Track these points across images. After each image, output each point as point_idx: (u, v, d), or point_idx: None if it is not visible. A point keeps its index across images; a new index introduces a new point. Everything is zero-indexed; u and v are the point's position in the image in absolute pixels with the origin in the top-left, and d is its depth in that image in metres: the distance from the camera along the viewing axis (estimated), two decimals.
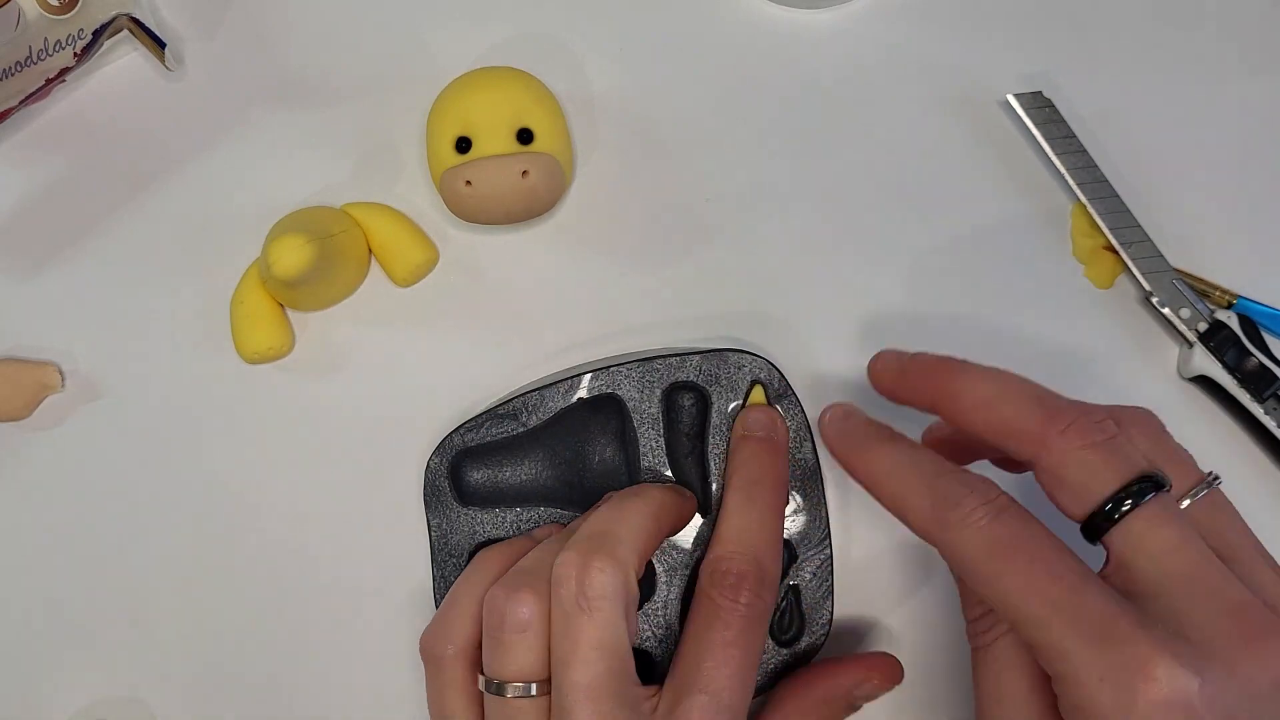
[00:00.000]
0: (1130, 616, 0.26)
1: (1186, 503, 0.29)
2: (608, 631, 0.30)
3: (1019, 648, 0.29)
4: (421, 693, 0.33)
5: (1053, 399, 0.30)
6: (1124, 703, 0.25)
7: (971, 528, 0.28)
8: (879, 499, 0.31)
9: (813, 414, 0.38)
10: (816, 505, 0.37)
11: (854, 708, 0.35)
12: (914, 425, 0.34)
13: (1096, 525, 0.28)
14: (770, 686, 0.36)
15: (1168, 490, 0.28)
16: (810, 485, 0.37)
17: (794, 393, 0.37)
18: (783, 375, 0.37)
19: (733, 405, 0.37)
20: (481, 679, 0.32)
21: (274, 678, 0.38)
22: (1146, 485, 0.28)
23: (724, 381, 0.37)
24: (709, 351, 0.37)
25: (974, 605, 0.31)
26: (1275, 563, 0.29)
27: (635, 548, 0.32)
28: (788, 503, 0.36)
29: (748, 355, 0.37)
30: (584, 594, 0.30)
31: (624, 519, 0.33)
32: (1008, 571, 0.27)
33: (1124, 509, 0.28)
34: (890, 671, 0.35)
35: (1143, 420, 0.31)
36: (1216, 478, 0.30)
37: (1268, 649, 0.26)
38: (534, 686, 0.31)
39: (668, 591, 0.36)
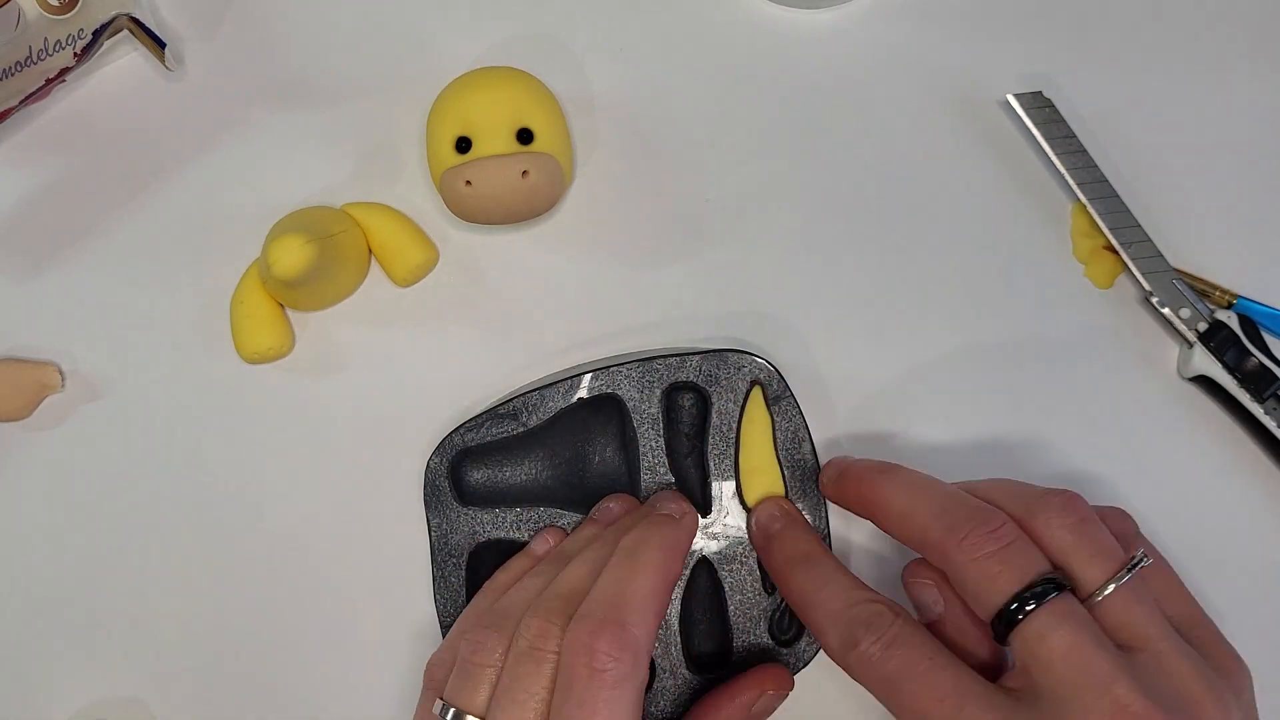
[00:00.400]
0: (1117, 667, 0.27)
1: (1110, 589, 0.30)
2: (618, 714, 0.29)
3: None
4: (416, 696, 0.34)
5: (953, 510, 0.31)
6: None
7: (867, 664, 0.30)
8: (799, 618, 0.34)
9: (810, 412, 0.38)
10: (816, 506, 0.37)
11: None
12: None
13: (1000, 630, 0.30)
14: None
15: (1067, 590, 0.30)
16: (809, 486, 0.37)
17: (792, 393, 0.37)
18: (781, 376, 0.37)
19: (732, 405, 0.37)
20: (439, 703, 0.31)
21: (274, 677, 0.38)
22: (1048, 586, 0.29)
23: (724, 382, 0.37)
24: (709, 352, 0.37)
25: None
26: (1193, 655, 0.30)
27: (648, 621, 0.30)
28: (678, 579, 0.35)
29: (747, 355, 0.37)
30: (591, 668, 0.29)
31: (635, 582, 0.31)
32: (900, 701, 0.30)
33: (1028, 609, 0.29)
34: (780, 680, 0.36)
35: (1062, 508, 0.31)
36: (1139, 562, 0.31)
37: (1208, 710, 0.27)
38: None
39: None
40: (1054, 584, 0.29)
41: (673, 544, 0.33)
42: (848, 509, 0.35)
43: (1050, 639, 0.28)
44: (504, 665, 0.30)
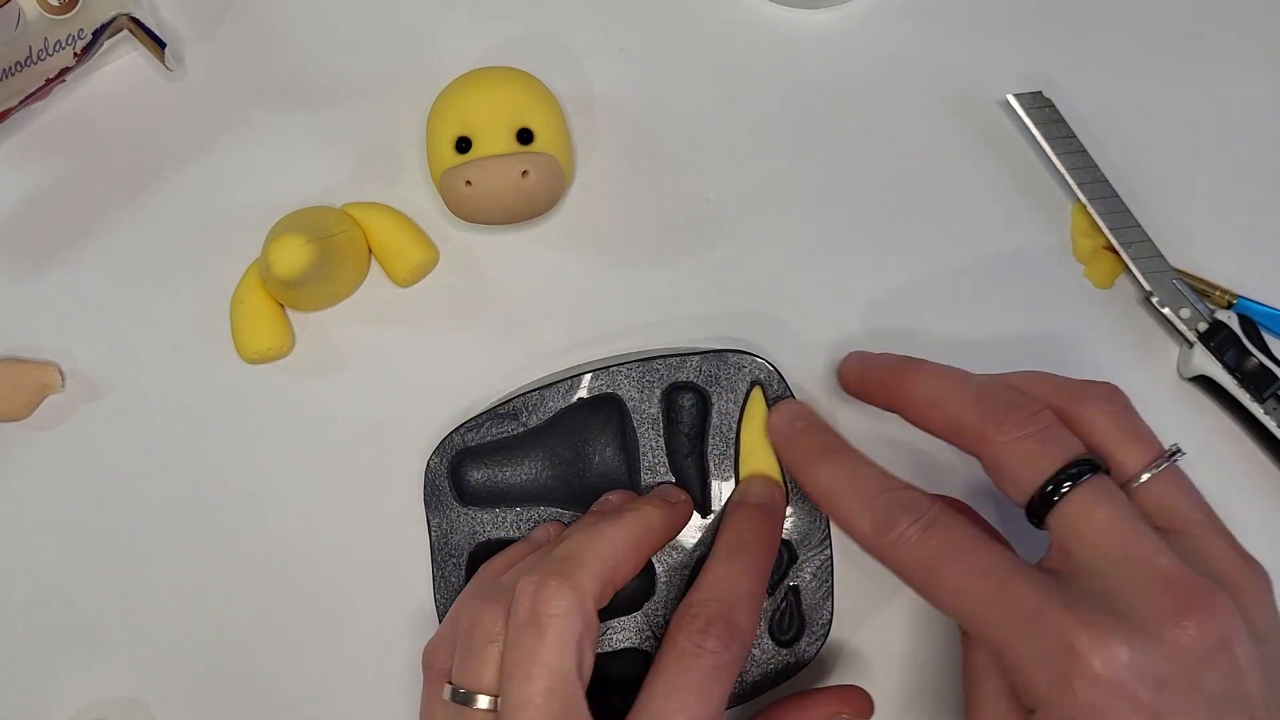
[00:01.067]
0: (1056, 599, 0.27)
1: (1146, 476, 0.30)
2: (554, 653, 0.29)
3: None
4: (420, 692, 0.33)
5: (992, 394, 0.31)
6: (1059, 682, 0.26)
7: (904, 546, 0.29)
8: (825, 513, 0.31)
9: None
10: (814, 510, 0.37)
11: None
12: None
13: (1037, 511, 0.29)
14: (772, 686, 0.36)
15: (1104, 471, 0.29)
16: None
17: (792, 394, 0.37)
18: (782, 376, 0.37)
19: (732, 405, 0.37)
20: (448, 688, 0.31)
21: (273, 677, 0.38)
22: (1083, 468, 0.29)
23: (724, 382, 0.37)
24: (709, 352, 0.37)
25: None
26: (1230, 536, 0.30)
27: (598, 575, 0.31)
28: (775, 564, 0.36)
29: (747, 356, 0.37)
30: (535, 612, 0.30)
31: (595, 543, 0.32)
32: (940, 581, 0.29)
33: (1062, 491, 0.29)
34: (861, 705, 0.35)
35: (1104, 396, 0.32)
36: (1176, 452, 0.31)
37: (1197, 616, 0.26)
38: (497, 701, 0.30)
39: (667, 592, 0.36)
40: (1091, 465, 0.29)
41: (657, 518, 0.34)
42: (870, 401, 0.34)
43: (1092, 515, 0.28)
44: (506, 637, 0.30)
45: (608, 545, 0.32)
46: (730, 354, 0.37)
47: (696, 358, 0.37)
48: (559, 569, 0.31)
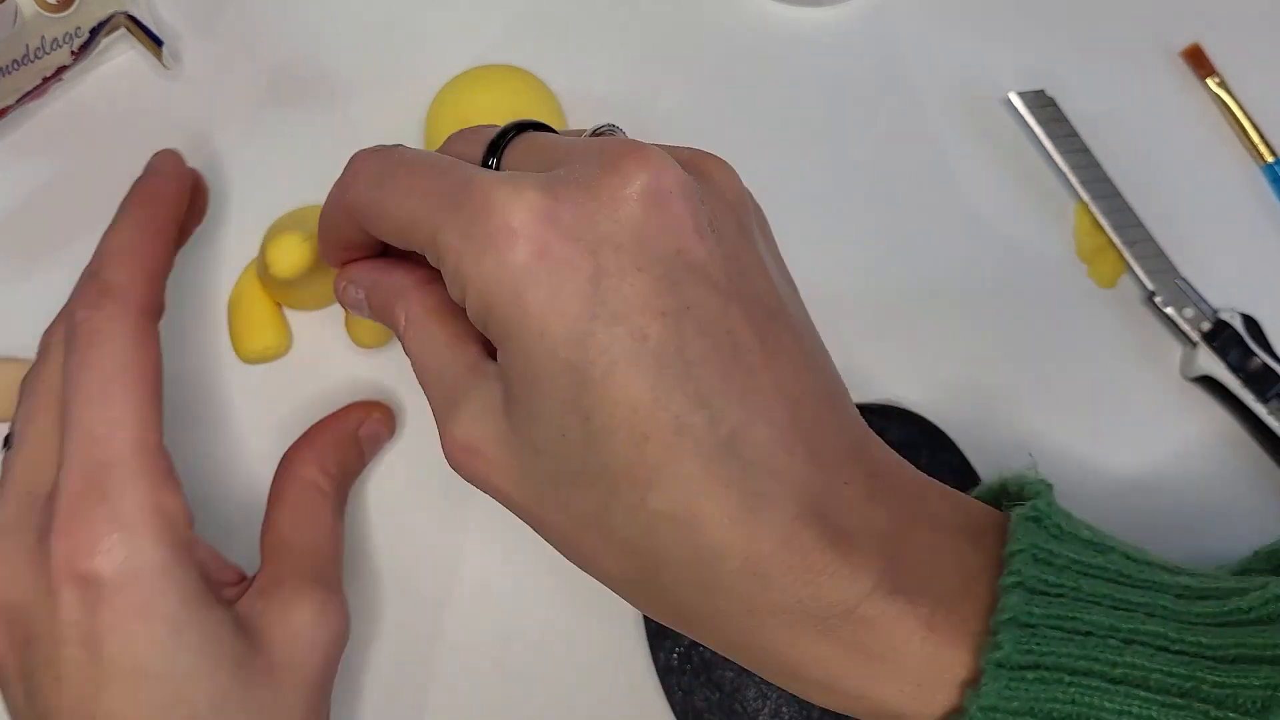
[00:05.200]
0: (495, 175, 0.24)
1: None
2: (106, 351, 0.29)
3: (431, 306, 0.28)
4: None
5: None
6: (480, 249, 0.24)
7: (356, 182, 0.28)
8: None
9: None
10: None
11: (364, 457, 0.36)
12: None
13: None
14: None
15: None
16: None
17: None
18: None
19: None
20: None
21: None
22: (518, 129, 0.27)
23: None
24: None
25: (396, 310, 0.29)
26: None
27: (125, 265, 0.31)
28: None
29: None
30: (73, 327, 0.30)
31: (111, 238, 0.32)
32: (389, 191, 0.26)
33: (507, 139, 0.27)
34: (386, 412, 0.36)
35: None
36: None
37: (628, 165, 0.24)
38: None
39: None
40: (530, 125, 0.27)
41: (151, 183, 0.34)
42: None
43: (535, 138, 0.27)
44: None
45: (118, 233, 0.32)
46: None
47: None
48: (86, 282, 0.30)
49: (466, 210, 0.24)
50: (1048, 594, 0.24)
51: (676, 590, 0.25)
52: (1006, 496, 0.27)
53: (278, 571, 0.31)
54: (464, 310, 0.25)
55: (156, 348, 0.30)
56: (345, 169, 0.28)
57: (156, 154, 0.35)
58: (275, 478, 0.34)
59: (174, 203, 0.34)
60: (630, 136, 0.28)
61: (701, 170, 0.27)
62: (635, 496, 0.24)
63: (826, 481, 0.24)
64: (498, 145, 0.27)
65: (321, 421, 0.36)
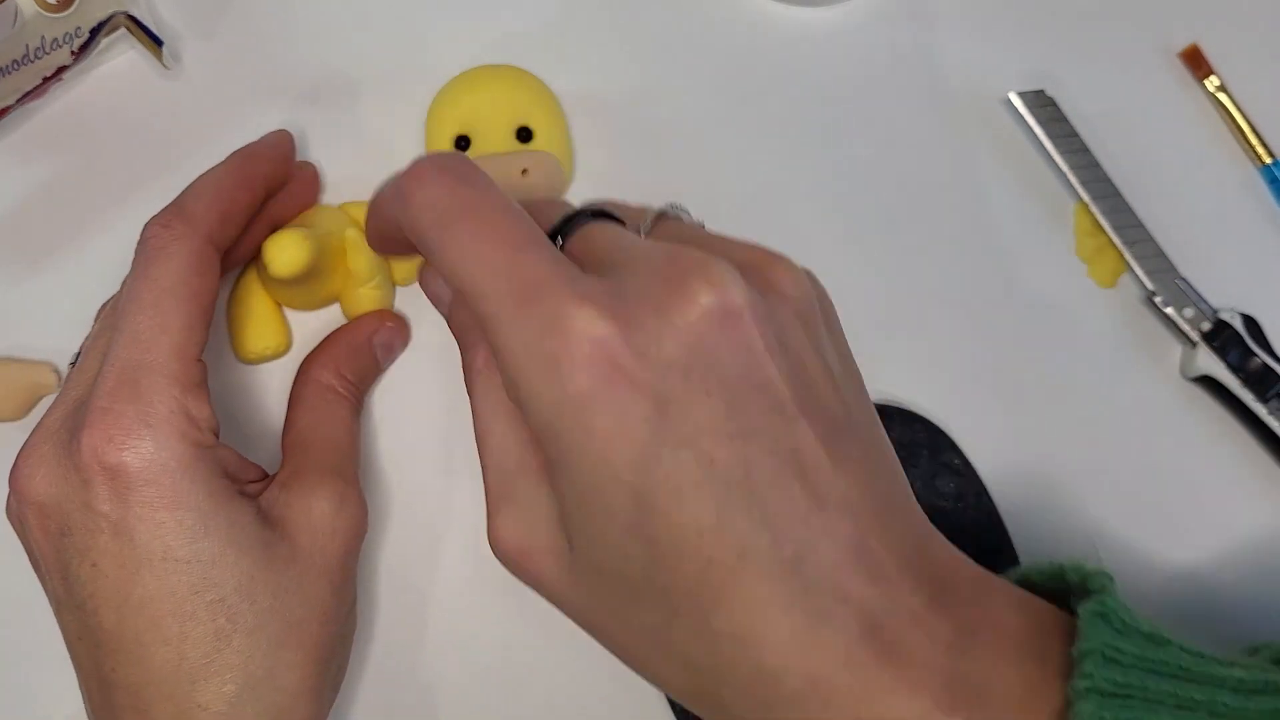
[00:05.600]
0: (563, 276, 0.24)
1: (651, 220, 0.29)
2: (163, 269, 0.30)
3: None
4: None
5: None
6: (546, 366, 0.23)
7: (423, 188, 0.26)
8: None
9: None
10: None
11: (379, 364, 0.37)
12: None
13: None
14: None
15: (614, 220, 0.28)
16: None
17: None
18: None
19: None
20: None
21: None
22: (587, 216, 0.28)
23: None
24: None
25: (471, 345, 0.29)
26: (754, 243, 0.28)
27: (208, 203, 0.32)
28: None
29: None
30: (145, 244, 0.31)
31: (201, 180, 0.33)
32: (449, 239, 0.25)
33: (575, 223, 0.27)
34: (400, 321, 0.37)
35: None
36: (676, 207, 0.29)
37: (698, 284, 0.24)
38: None
39: None
40: (598, 212, 0.28)
41: (255, 146, 0.35)
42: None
43: (602, 231, 0.27)
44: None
45: (209, 174, 0.33)
46: None
47: None
48: (166, 207, 0.32)
49: (531, 317, 0.23)
50: (1117, 695, 0.24)
51: (736, 706, 0.24)
52: (1063, 584, 0.27)
53: (298, 465, 0.33)
54: None
55: (215, 275, 0.32)
56: (408, 176, 0.27)
57: (272, 131, 0.37)
58: (294, 383, 0.36)
59: (267, 163, 0.35)
60: (694, 219, 0.29)
61: (768, 277, 0.26)
62: (698, 617, 0.24)
63: (888, 596, 0.24)
64: (566, 228, 0.27)
65: (337, 330, 0.37)
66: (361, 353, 0.36)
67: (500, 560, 0.27)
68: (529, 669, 0.37)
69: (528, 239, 0.25)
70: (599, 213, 0.28)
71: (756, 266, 0.26)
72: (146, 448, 0.29)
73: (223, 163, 0.35)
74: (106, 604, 0.29)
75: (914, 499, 0.27)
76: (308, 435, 0.34)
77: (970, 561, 0.27)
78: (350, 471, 0.34)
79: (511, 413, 0.27)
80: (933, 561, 0.25)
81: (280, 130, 0.37)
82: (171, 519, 0.29)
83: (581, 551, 0.25)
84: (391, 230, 0.28)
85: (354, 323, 0.37)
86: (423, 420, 0.38)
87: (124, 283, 0.32)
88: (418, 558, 0.38)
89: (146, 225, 0.32)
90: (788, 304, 0.26)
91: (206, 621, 0.29)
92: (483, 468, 0.27)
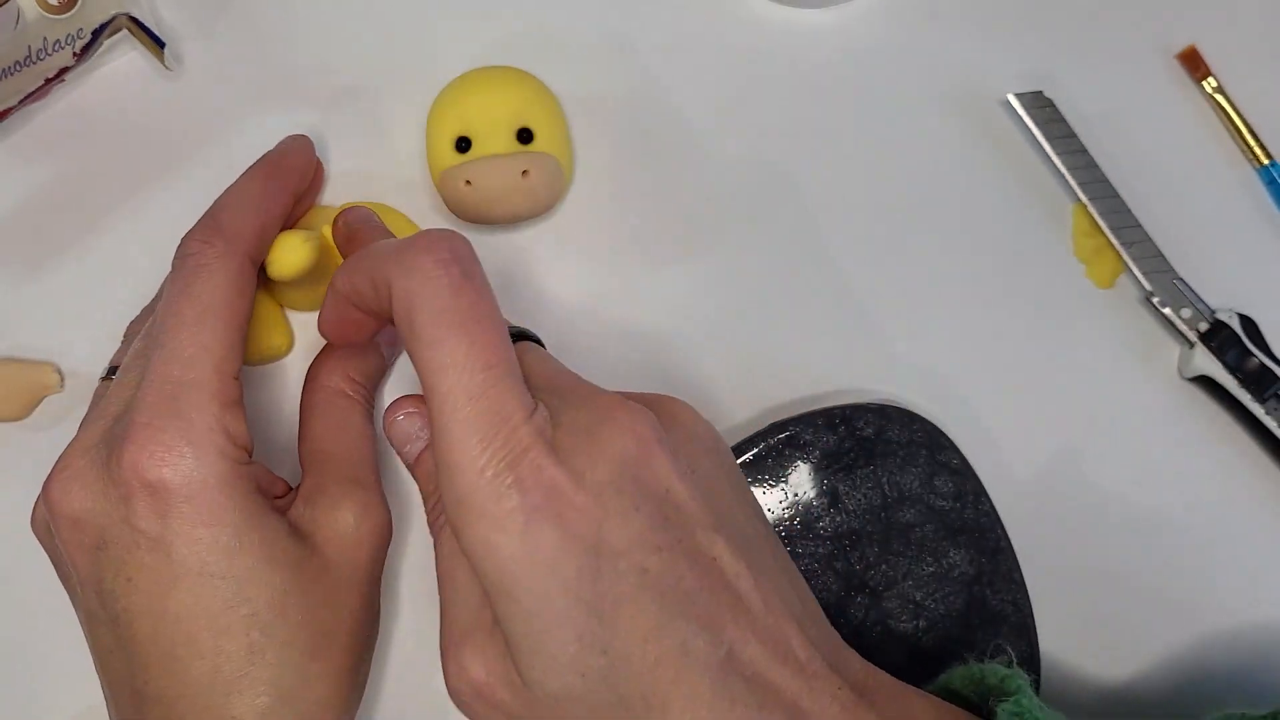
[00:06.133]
0: (524, 410, 0.26)
1: None
2: (203, 285, 0.31)
3: None
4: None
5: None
6: (499, 490, 0.25)
7: (420, 276, 0.27)
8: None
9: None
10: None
11: (386, 360, 0.37)
12: None
13: None
14: None
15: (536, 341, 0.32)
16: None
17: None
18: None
19: None
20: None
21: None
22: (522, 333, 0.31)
23: None
24: None
25: (428, 496, 0.31)
26: None
27: (241, 215, 0.32)
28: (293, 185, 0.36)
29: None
30: (184, 259, 0.31)
31: (231, 192, 0.33)
32: (443, 340, 0.27)
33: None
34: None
35: None
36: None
37: (620, 416, 0.27)
38: None
39: None
40: (522, 332, 0.32)
41: (280, 154, 0.35)
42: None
43: (535, 355, 0.30)
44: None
45: (242, 187, 0.34)
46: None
47: None
48: (203, 222, 0.32)
49: (489, 448, 0.26)
50: None
51: None
52: (982, 688, 0.30)
53: (319, 479, 0.33)
54: None
55: (253, 292, 0.33)
56: (420, 250, 0.28)
57: (290, 136, 0.37)
58: (303, 391, 0.35)
59: (296, 175, 0.36)
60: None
61: (670, 414, 0.29)
62: (653, 719, 0.25)
63: (816, 691, 0.27)
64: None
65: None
66: (367, 353, 0.36)
67: (458, 698, 0.28)
68: None
69: (497, 358, 0.27)
70: (524, 333, 0.32)
71: (659, 406, 0.29)
72: (187, 465, 0.29)
73: (251, 172, 0.35)
74: (141, 617, 0.29)
75: (824, 615, 0.30)
76: (325, 446, 0.34)
77: (884, 673, 0.29)
78: (370, 478, 0.34)
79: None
80: (851, 667, 0.29)
81: (300, 136, 0.37)
82: (208, 535, 0.29)
83: (538, 682, 0.26)
84: (365, 293, 0.29)
85: None
86: None
87: (162, 297, 0.32)
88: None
89: (186, 240, 0.32)
90: (695, 438, 0.29)
91: (240, 636, 0.29)
92: (443, 613, 0.29)
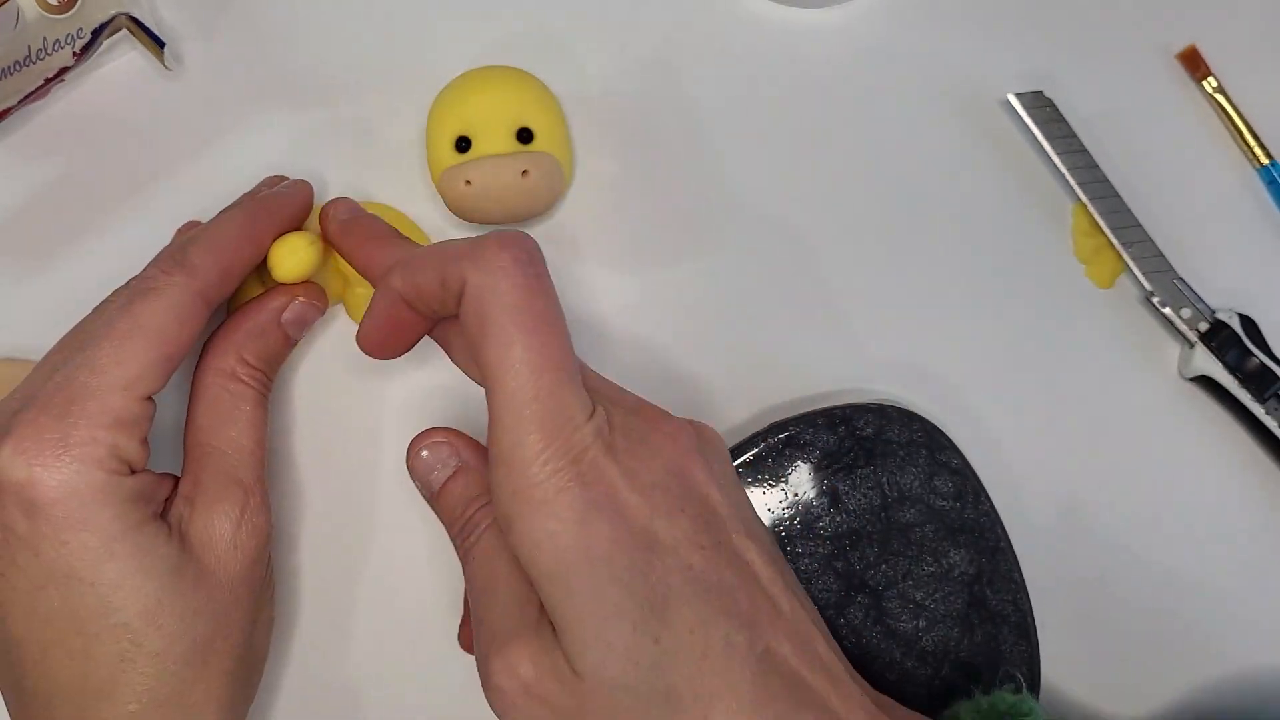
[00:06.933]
0: (584, 412, 0.28)
1: None
2: (150, 310, 0.30)
3: (501, 536, 0.29)
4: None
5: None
6: (560, 484, 0.27)
7: (499, 288, 0.28)
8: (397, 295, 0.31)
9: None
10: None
11: (290, 340, 0.35)
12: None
13: None
14: None
15: None
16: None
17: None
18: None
19: None
20: None
21: (276, 677, 0.38)
22: None
23: None
24: None
25: (456, 519, 0.32)
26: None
27: (210, 252, 0.32)
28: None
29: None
30: (142, 287, 0.31)
31: (209, 229, 0.33)
32: (518, 337, 0.28)
33: None
34: (315, 291, 0.35)
35: None
36: None
37: (666, 424, 0.30)
38: None
39: None
40: None
41: (270, 197, 0.35)
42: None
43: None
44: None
45: (219, 227, 0.33)
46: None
47: None
48: (169, 251, 0.32)
49: (564, 445, 0.27)
50: None
51: None
52: (993, 716, 0.31)
53: (198, 474, 0.32)
54: None
55: (197, 327, 0.32)
56: (498, 247, 0.29)
57: (293, 181, 0.37)
58: (195, 371, 0.34)
59: (282, 221, 0.35)
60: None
61: (699, 431, 0.31)
62: (699, 710, 0.27)
63: (844, 694, 0.28)
64: None
65: (241, 308, 0.35)
66: (268, 333, 0.34)
67: (503, 699, 0.28)
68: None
69: (565, 361, 0.28)
70: None
71: (692, 424, 0.31)
72: (60, 468, 0.29)
73: (232, 211, 0.34)
74: (15, 613, 0.29)
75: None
76: (207, 438, 0.33)
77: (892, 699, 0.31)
78: (251, 475, 0.33)
79: (513, 559, 0.29)
80: (864, 685, 0.30)
81: (302, 182, 0.36)
82: (76, 540, 0.29)
83: (592, 671, 0.27)
84: (430, 291, 0.29)
85: (261, 299, 0.35)
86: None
87: (105, 304, 0.32)
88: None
89: (148, 265, 0.32)
90: (720, 457, 0.31)
91: (110, 643, 0.29)
92: (479, 621, 0.29)
